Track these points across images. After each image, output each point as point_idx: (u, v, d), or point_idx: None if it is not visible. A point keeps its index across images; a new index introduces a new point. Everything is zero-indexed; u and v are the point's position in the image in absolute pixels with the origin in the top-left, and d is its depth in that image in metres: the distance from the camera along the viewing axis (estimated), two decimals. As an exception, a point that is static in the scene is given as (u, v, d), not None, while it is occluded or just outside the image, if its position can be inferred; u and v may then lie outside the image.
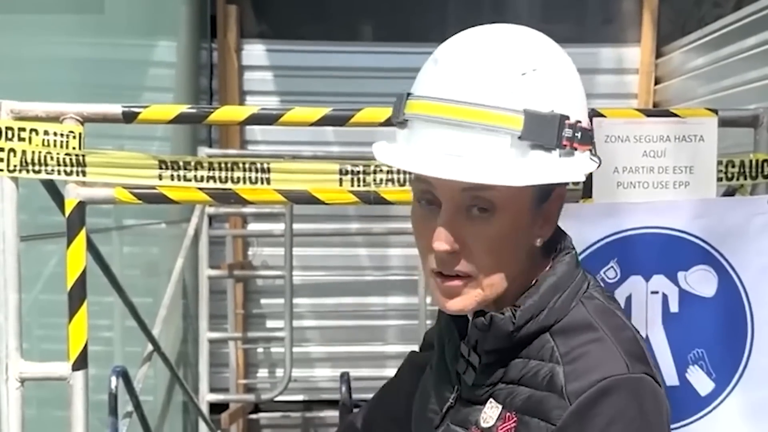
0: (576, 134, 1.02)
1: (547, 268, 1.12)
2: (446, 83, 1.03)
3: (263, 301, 5.45)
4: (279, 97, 5.26)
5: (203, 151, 4.63)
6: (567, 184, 1.10)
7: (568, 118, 1.02)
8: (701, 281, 1.84)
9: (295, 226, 4.64)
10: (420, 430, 1.24)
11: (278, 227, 4.85)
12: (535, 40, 1.07)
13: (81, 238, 1.78)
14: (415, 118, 1.05)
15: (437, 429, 1.18)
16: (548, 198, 1.09)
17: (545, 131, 1.00)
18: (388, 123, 1.81)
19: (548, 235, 1.11)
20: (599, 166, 1.07)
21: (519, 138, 0.99)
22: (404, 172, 1.82)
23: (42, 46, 2.89)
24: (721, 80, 4.29)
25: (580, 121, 1.04)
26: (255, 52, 5.30)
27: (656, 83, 5.24)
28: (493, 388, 1.10)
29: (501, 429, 1.08)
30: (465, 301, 1.08)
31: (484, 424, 1.09)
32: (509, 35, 1.07)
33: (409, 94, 1.08)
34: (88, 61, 3.39)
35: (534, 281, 1.10)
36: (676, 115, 1.85)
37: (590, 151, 1.07)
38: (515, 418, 1.06)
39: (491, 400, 1.10)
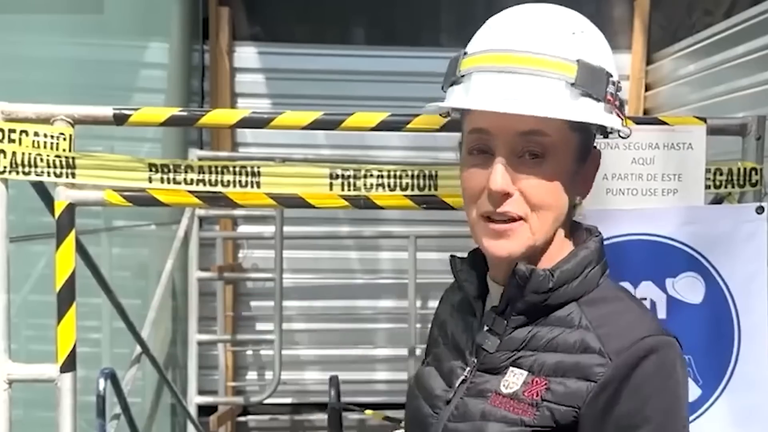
0: (617, 93, 1.12)
1: (580, 243, 1.19)
2: (501, 39, 1.10)
3: (253, 303, 5.45)
4: (270, 99, 5.26)
5: (194, 153, 4.62)
6: (594, 147, 1.19)
7: (612, 75, 1.11)
8: (689, 288, 1.85)
9: (286, 228, 4.63)
10: (421, 413, 1.22)
11: (268, 230, 4.84)
12: (576, 13, 1.15)
13: (70, 240, 1.78)
14: (473, 71, 1.11)
15: (448, 404, 1.17)
16: (587, 158, 1.16)
17: (595, 82, 1.08)
18: (378, 128, 1.82)
19: (585, 196, 1.19)
20: (630, 135, 1.15)
21: (572, 85, 1.07)
22: (395, 176, 1.82)
23: (33, 46, 2.89)
24: (711, 87, 4.31)
25: (620, 83, 1.13)
26: (247, 54, 5.30)
27: (647, 90, 5.26)
28: (516, 354, 1.13)
29: (527, 392, 1.10)
30: (514, 245, 1.12)
31: (505, 390, 1.12)
32: (555, 7, 1.15)
33: (465, 54, 1.14)
34: (79, 61, 3.38)
35: (567, 254, 1.17)
36: (665, 123, 1.87)
37: (621, 119, 1.15)
38: (545, 381, 1.09)
39: (512, 368, 1.13)
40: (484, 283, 1.23)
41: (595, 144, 1.20)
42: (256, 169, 1.81)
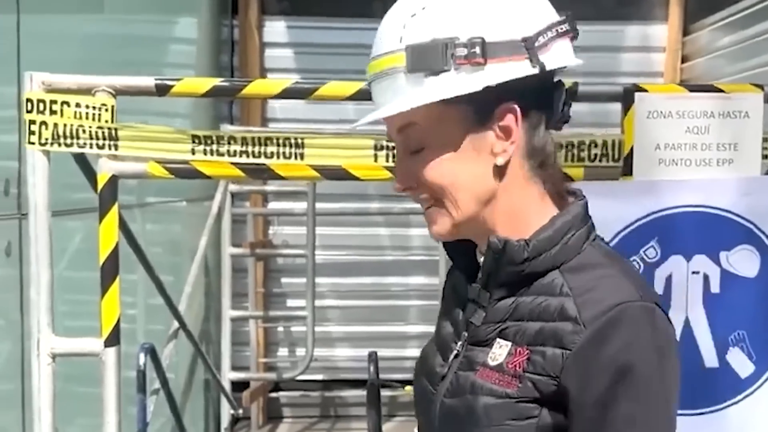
0: (474, 50, 1.07)
1: (561, 210, 1.15)
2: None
3: (283, 280, 5.44)
4: (299, 74, 5.22)
5: (225, 128, 4.60)
6: (510, 100, 1.11)
7: (457, 38, 1.07)
8: (744, 261, 1.81)
9: (317, 205, 4.61)
10: (423, 390, 1.23)
11: (299, 206, 4.82)
12: None
13: (113, 213, 1.76)
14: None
15: (443, 380, 1.17)
16: (490, 117, 1.11)
17: (428, 58, 1.07)
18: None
19: (510, 152, 1.12)
20: (543, 69, 1.08)
21: (409, 72, 1.07)
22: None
23: (61, 23, 2.87)
24: (750, 59, 4.22)
25: (482, 38, 1.07)
26: (276, 28, 5.26)
27: (683, 62, 5.16)
28: (502, 325, 1.12)
29: (511, 364, 1.09)
30: (439, 227, 1.15)
31: (492, 362, 1.11)
32: None
33: None
34: (107, 37, 3.36)
35: (548, 220, 1.14)
36: (720, 91, 1.81)
37: (529, 60, 1.08)
38: (527, 351, 1.08)
39: (499, 339, 1.12)
40: (474, 257, 1.23)
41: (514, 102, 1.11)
42: (299, 141, 1.77)
